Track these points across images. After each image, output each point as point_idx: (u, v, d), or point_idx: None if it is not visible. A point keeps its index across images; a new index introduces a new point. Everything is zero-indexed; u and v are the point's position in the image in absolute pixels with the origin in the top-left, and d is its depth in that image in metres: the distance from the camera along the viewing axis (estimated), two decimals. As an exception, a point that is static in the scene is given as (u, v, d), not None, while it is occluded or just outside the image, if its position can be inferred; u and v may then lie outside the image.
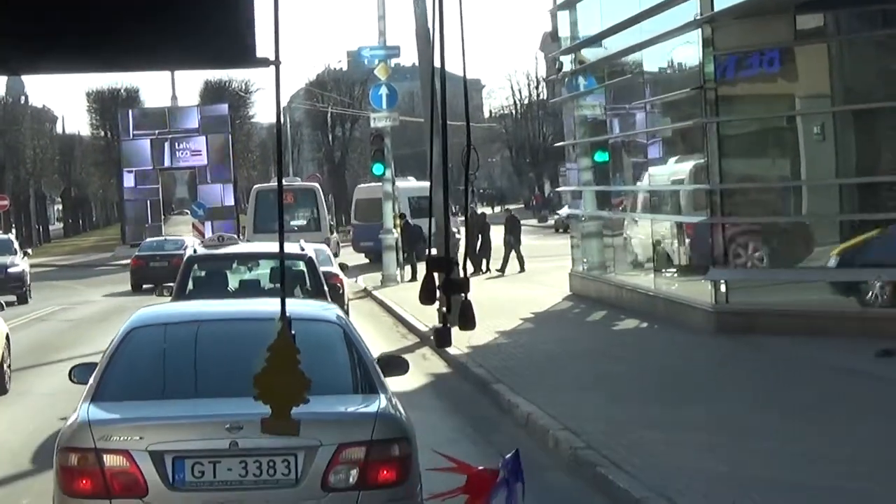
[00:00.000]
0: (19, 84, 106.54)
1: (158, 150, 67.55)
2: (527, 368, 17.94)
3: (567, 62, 30.33)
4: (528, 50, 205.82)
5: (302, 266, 16.56)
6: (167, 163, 68.52)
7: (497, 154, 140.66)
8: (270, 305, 9.14)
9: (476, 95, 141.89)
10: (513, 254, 42.16)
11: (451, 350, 20.34)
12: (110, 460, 7.36)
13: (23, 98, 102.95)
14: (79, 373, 9.33)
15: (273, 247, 18.62)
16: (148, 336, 8.79)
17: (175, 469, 7.43)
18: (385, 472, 7.57)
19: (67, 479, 7.57)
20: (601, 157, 28.86)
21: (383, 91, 38.73)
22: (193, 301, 12.95)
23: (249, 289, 16.58)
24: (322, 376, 5.72)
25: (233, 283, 17.20)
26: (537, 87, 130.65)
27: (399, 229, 39.91)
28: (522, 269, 40.97)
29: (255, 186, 45.86)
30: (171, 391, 8.19)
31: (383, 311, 30.92)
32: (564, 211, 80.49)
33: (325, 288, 16.26)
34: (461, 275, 4.74)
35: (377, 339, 23.93)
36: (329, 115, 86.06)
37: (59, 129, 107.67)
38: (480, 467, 4.32)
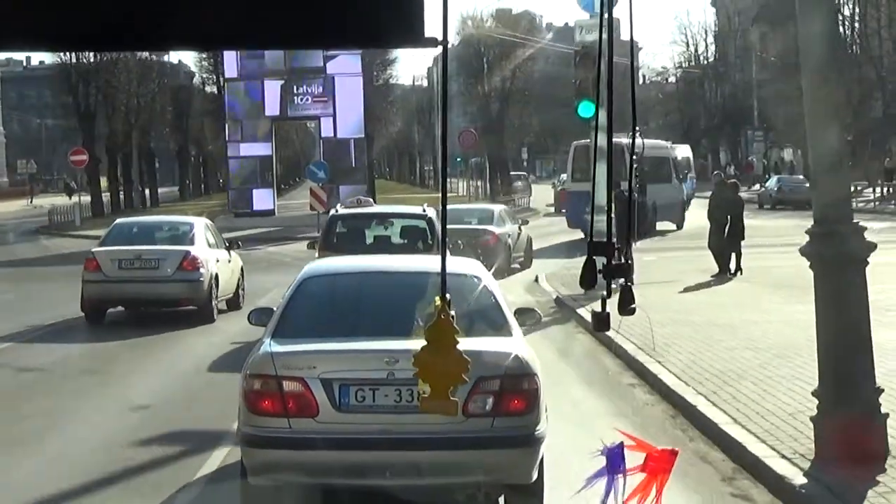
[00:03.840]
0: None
1: (273, 95, 53.62)
2: None
3: None
4: (693, 6, 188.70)
5: (424, 224, 19.62)
6: (282, 111, 54.39)
7: (656, 120, 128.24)
8: (420, 261, 11.71)
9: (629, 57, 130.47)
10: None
11: None
12: (288, 385, 8.57)
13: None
14: (256, 316, 11.09)
15: (402, 209, 23.88)
16: (318, 284, 10.11)
17: (341, 394, 8.61)
18: (515, 402, 8.68)
19: (252, 400, 8.77)
20: None
21: (595, -14, 24.09)
22: (353, 256, 13.83)
23: (383, 244, 19.63)
24: (466, 320, 7.50)
25: (369, 238, 19.96)
26: (713, 44, 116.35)
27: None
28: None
29: (574, 143, 46.15)
30: (339, 330, 9.26)
31: (617, 362, 16.42)
32: (772, 182, 65.80)
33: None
34: (623, 260, 4.80)
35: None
36: (485, 61, 71.16)
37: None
38: (660, 447, 4.31)
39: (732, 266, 27.86)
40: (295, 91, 53.82)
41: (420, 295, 8.85)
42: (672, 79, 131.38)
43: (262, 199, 54.69)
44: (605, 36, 4.64)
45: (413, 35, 3.26)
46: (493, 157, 69.84)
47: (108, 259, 22.56)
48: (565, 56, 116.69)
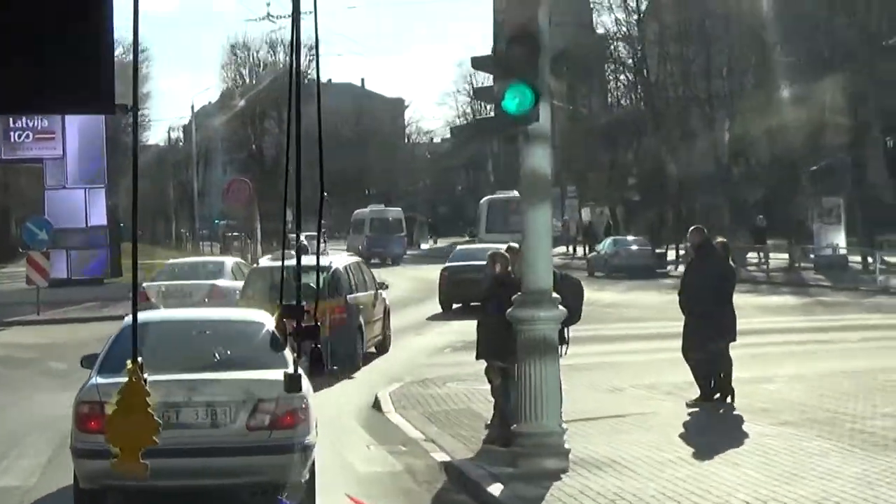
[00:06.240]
0: None
1: (-17, 132, 40.62)
2: None
3: None
4: (482, 51, 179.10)
5: (328, 276, 23.06)
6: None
7: (420, 181, 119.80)
8: (221, 312, 14.79)
9: (398, 115, 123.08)
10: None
11: None
12: (109, 409, 8.80)
13: None
14: (86, 362, 12.64)
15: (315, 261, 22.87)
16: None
17: None
18: (288, 418, 11.12)
19: (81, 421, 11.23)
20: None
21: None
22: (172, 309, 18.43)
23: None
24: (251, 356, 10.39)
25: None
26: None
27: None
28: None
29: (488, 198, 54.54)
30: (152, 366, 9.16)
31: None
32: (607, 245, 54.82)
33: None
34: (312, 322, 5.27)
35: None
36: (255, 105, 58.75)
37: None
38: None
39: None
40: (12, 125, 40.91)
41: (217, 337, 12.09)
42: (446, 135, 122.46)
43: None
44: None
45: (102, 101, 3.34)
46: (268, 215, 56.85)
47: (154, 291, 28.86)
48: (342, 108, 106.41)
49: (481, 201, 57.70)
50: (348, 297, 23.43)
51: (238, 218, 59.23)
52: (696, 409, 16.00)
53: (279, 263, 22.73)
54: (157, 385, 11.51)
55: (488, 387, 17.76)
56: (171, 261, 34.91)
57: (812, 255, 48.29)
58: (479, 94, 13.42)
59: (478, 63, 13.33)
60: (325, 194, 5.78)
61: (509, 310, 12.69)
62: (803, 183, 50.78)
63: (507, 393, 14.52)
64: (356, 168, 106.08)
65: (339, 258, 26.58)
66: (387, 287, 26.98)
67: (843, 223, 46.61)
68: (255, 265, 26.90)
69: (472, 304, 31.30)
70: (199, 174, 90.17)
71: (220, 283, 29.42)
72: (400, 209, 72.67)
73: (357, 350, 23.02)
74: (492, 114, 14.50)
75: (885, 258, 42.98)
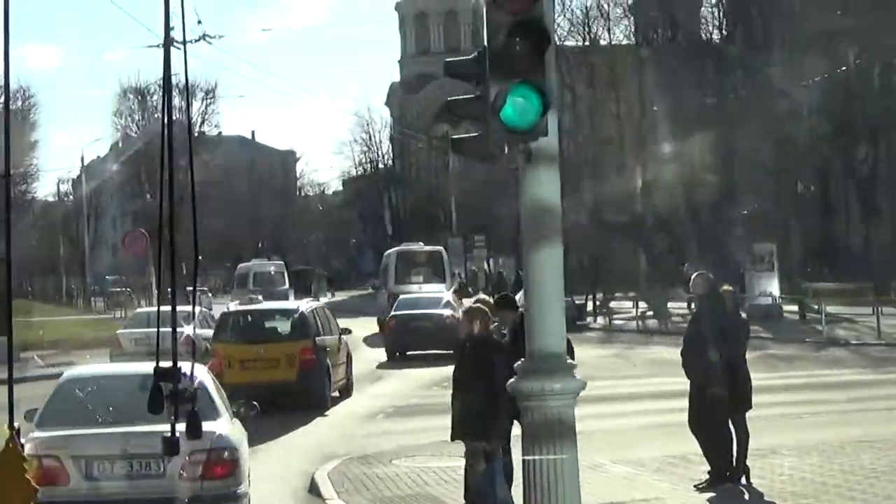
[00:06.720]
0: None
1: None
2: None
3: None
4: (374, 101, 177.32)
5: (297, 316, 25.41)
6: None
7: (314, 234, 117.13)
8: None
9: (290, 168, 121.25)
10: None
11: None
12: (47, 462, 11.38)
13: None
14: (28, 414, 12.53)
15: (280, 304, 31.70)
16: (74, 384, 13.02)
17: (87, 467, 11.57)
18: (219, 469, 11.63)
19: None
20: None
21: None
22: (107, 364, 21.53)
23: (268, 332, 25.60)
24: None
25: (255, 328, 25.78)
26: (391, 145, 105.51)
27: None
28: None
29: (395, 249, 54.37)
30: (86, 420, 12.06)
31: None
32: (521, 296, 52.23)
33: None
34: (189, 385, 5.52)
35: None
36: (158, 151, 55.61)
37: None
38: None
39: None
40: None
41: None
42: (339, 187, 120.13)
43: None
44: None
45: None
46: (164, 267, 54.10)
47: (127, 339, 32.44)
48: (233, 160, 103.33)
49: (387, 252, 56.15)
50: (316, 339, 24.44)
51: (128, 273, 56.67)
52: (713, 494, 13.29)
53: (248, 307, 27.64)
54: (90, 438, 11.70)
55: (441, 464, 15.45)
56: (141, 309, 38.72)
57: (744, 305, 46.11)
58: (455, 107, 10.49)
59: (456, 67, 10.49)
60: (200, 257, 6.04)
61: (511, 381, 9.88)
62: (730, 228, 48.62)
63: (492, 482, 11.78)
64: (249, 221, 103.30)
65: (304, 302, 27.73)
66: (350, 332, 27.78)
67: (777, 270, 44.43)
68: (225, 308, 28.33)
69: (413, 352, 35.59)
70: (89, 228, 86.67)
71: (189, 330, 29.79)
72: (283, 262, 73.91)
73: (326, 391, 23.85)
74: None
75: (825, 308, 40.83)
